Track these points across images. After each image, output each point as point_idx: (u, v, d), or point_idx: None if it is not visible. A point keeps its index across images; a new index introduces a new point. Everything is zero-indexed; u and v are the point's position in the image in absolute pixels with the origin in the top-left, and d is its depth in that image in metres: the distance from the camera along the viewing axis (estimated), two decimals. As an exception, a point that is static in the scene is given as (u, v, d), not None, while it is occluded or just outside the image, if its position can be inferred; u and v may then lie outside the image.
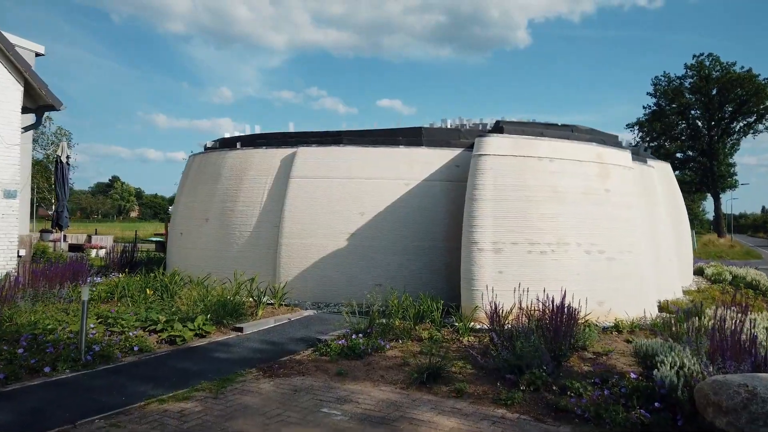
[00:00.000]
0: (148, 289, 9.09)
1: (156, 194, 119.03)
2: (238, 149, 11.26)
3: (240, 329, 7.93)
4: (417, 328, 7.75)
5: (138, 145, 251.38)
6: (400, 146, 10.41)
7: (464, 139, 10.58)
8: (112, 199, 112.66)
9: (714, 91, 46.62)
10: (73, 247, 22.00)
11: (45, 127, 31.01)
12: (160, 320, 7.53)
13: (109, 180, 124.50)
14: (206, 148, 12.34)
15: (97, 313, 7.88)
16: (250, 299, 9.17)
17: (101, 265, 12.33)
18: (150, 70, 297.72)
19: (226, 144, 11.86)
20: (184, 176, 12.41)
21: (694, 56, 48.00)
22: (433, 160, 10.32)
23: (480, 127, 11.50)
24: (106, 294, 9.24)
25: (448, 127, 11.87)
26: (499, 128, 8.89)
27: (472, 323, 7.72)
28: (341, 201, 10.09)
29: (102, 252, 20.01)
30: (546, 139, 8.89)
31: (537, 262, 8.33)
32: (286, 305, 9.59)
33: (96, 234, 30.70)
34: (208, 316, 7.88)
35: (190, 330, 7.45)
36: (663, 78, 49.77)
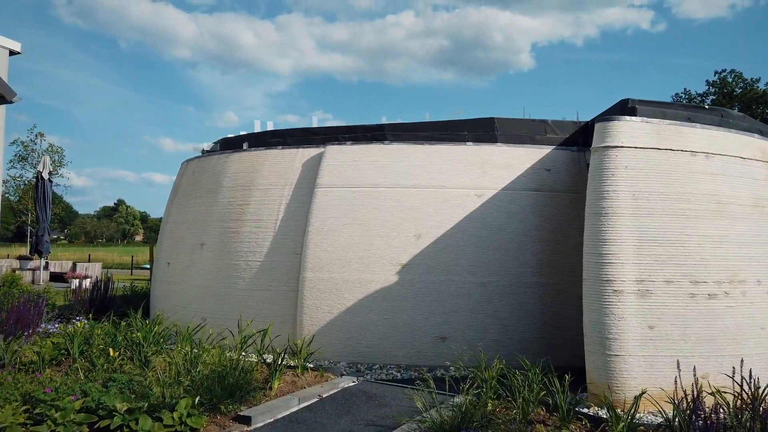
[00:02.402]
0: (111, 350, 6.21)
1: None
2: (244, 150, 8.46)
3: (246, 420, 5.02)
4: (532, 418, 4.82)
5: (144, 169, 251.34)
6: (468, 143, 7.59)
7: (552, 134, 7.76)
8: (116, 223, 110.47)
9: (737, 109, 43.94)
10: (55, 277, 19.19)
11: (36, 143, 28.46)
12: (118, 410, 4.64)
13: (114, 204, 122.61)
14: (204, 152, 9.53)
15: (23, 394, 5.03)
16: (261, 361, 6.27)
17: (65, 304, 9.45)
18: (157, 94, 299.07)
19: (230, 145, 9.06)
20: (174, 189, 9.58)
21: (716, 72, 45.37)
22: (512, 161, 7.48)
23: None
24: (53, 354, 6.37)
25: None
26: (629, 108, 6.04)
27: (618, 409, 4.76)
28: (388, 218, 7.24)
29: (87, 282, 17.11)
30: (699, 127, 6.05)
31: (704, 310, 5.40)
32: (312, 368, 6.66)
33: (89, 260, 27.90)
34: (197, 399, 4.99)
35: (166, 427, 4.57)
36: (684, 96, 47.32)
